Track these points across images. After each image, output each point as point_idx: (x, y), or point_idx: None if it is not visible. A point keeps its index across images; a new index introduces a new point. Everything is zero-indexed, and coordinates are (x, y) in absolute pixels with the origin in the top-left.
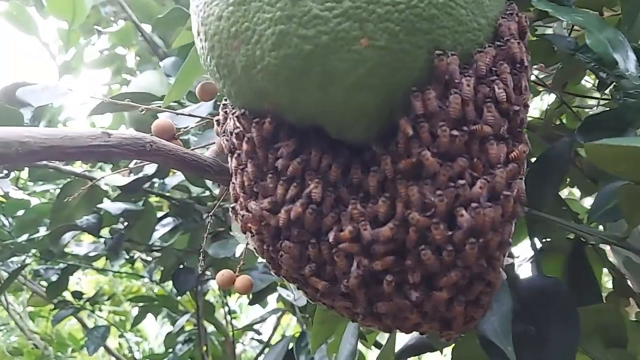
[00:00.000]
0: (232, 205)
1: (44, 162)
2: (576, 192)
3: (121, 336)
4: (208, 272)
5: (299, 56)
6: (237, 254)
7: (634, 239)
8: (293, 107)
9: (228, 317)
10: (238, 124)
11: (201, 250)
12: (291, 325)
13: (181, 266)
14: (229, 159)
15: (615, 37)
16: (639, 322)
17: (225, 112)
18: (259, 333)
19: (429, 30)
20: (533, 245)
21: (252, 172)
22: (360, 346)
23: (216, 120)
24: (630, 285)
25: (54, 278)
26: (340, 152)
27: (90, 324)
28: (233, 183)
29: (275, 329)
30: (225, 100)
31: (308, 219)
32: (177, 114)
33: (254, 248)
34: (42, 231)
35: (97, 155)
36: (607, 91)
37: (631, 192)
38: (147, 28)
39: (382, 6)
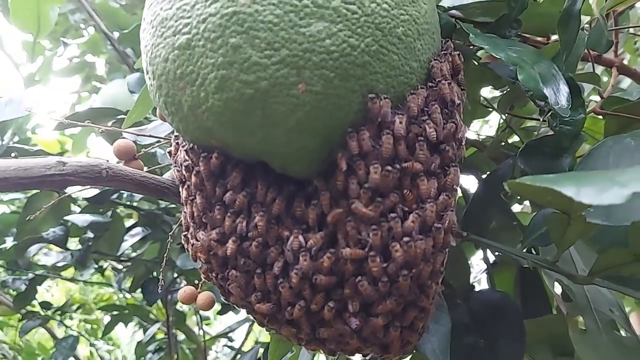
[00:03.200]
0: (183, 234)
1: None
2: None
3: (92, 345)
4: (178, 281)
5: (240, 99)
6: None
7: (564, 262)
8: (237, 145)
9: (201, 324)
10: (187, 157)
11: (164, 262)
12: (264, 330)
13: (151, 276)
14: (180, 189)
15: (548, 71)
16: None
17: (177, 143)
18: (231, 340)
19: (363, 75)
20: (485, 258)
21: (200, 203)
22: None
23: (168, 152)
24: (561, 306)
25: (22, 288)
26: (285, 185)
27: (60, 332)
28: (184, 212)
29: (247, 335)
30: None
31: (253, 250)
32: (138, 134)
33: (204, 275)
34: (9, 242)
35: (53, 184)
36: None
37: (558, 219)
38: (117, 36)
39: (317, 54)
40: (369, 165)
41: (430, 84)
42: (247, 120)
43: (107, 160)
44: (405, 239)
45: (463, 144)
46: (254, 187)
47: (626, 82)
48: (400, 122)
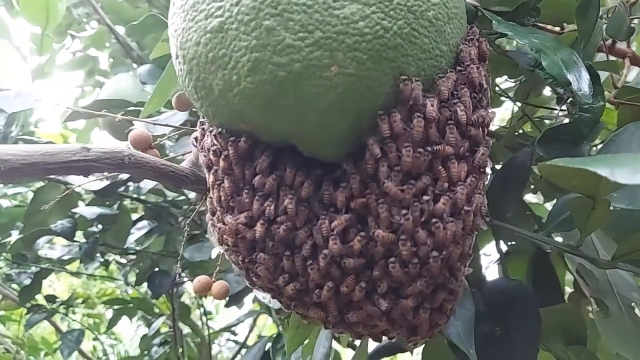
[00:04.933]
0: (209, 218)
1: None
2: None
3: (95, 339)
4: (183, 274)
5: (273, 82)
6: (213, 257)
7: (586, 247)
8: (268, 128)
9: (204, 319)
10: (215, 142)
11: (179, 256)
12: (267, 325)
13: (156, 269)
14: (207, 173)
15: (569, 57)
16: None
17: (203, 129)
18: (234, 334)
19: (395, 58)
20: (498, 248)
21: (228, 187)
22: (337, 345)
23: (194, 137)
24: (584, 290)
25: (27, 282)
26: (313, 168)
27: (63, 327)
28: (210, 197)
29: (251, 329)
30: (203, 117)
31: (282, 233)
32: (153, 123)
33: (230, 259)
34: (15, 235)
35: (77, 170)
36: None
37: (583, 204)
38: (120, 30)
39: (350, 37)
40: (401, 148)
41: (459, 67)
42: (279, 102)
43: (129, 147)
44: (434, 219)
45: (489, 128)
46: (283, 170)
47: (633, 73)
48: (432, 105)
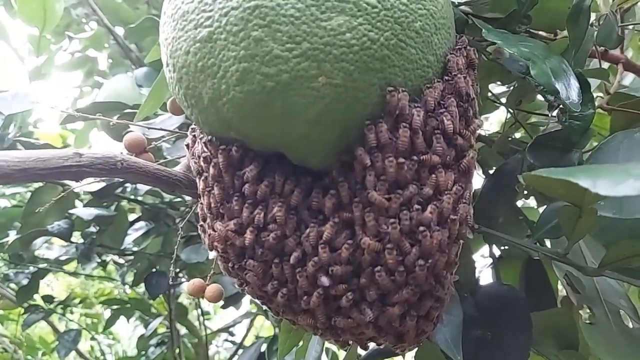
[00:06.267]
0: (200, 224)
1: None
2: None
3: (93, 339)
4: (181, 275)
5: (261, 92)
6: (210, 258)
7: (574, 255)
8: (257, 137)
9: (201, 319)
10: (205, 149)
11: (173, 257)
12: (265, 325)
13: (154, 270)
14: (197, 180)
15: (558, 66)
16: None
17: (194, 135)
18: (232, 334)
19: (381, 69)
20: (491, 253)
21: (218, 194)
22: (334, 347)
23: (185, 144)
24: (571, 298)
25: (25, 282)
26: (302, 176)
27: (61, 326)
28: (201, 203)
29: (248, 330)
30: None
31: (271, 241)
32: (149, 127)
33: (220, 265)
34: (12, 235)
35: (70, 175)
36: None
37: (570, 212)
38: (119, 31)
39: (337, 48)
40: (385, 158)
41: (446, 77)
42: (267, 112)
43: (122, 152)
44: (421, 228)
45: (475, 136)
46: (272, 177)
47: (628, 79)
48: (418, 115)
